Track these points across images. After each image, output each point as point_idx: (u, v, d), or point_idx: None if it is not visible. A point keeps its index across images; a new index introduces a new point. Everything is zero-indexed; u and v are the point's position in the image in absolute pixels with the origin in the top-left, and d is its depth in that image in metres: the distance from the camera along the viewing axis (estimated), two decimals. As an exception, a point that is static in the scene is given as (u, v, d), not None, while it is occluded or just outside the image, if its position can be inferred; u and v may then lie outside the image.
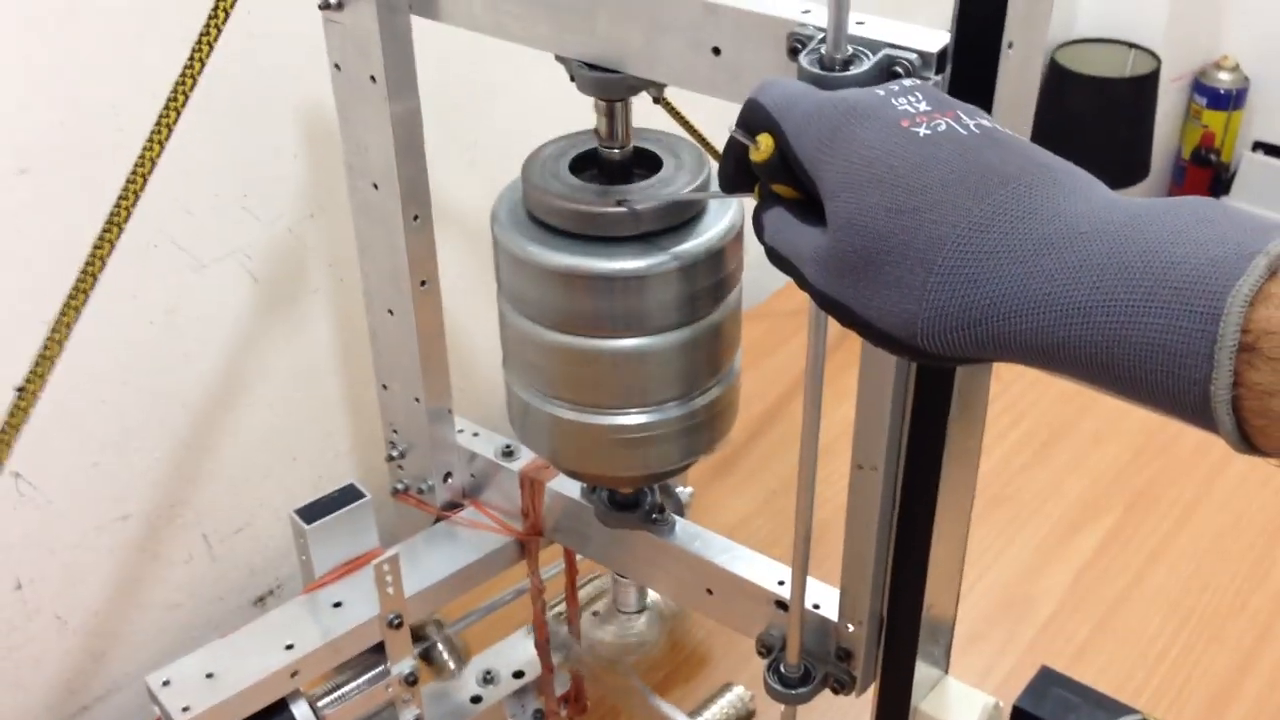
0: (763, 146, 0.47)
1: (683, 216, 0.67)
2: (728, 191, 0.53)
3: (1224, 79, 1.78)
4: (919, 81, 0.47)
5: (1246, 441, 0.37)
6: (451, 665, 0.87)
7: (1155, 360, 0.37)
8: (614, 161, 0.70)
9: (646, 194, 0.66)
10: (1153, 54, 1.62)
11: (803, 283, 0.47)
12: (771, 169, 0.48)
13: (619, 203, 0.65)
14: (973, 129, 0.44)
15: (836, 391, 0.60)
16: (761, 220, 0.49)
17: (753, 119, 0.48)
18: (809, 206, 0.47)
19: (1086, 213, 0.40)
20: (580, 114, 0.70)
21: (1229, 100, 1.78)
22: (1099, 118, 1.62)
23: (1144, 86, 1.63)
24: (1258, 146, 1.81)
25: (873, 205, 0.43)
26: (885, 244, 0.42)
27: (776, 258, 0.48)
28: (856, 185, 0.43)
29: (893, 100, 0.45)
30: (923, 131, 0.43)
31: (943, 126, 0.43)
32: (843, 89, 0.48)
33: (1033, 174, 0.42)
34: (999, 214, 0.41)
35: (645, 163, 0.70)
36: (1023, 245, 0.40)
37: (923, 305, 0.42)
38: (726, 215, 0.68)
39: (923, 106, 0.45)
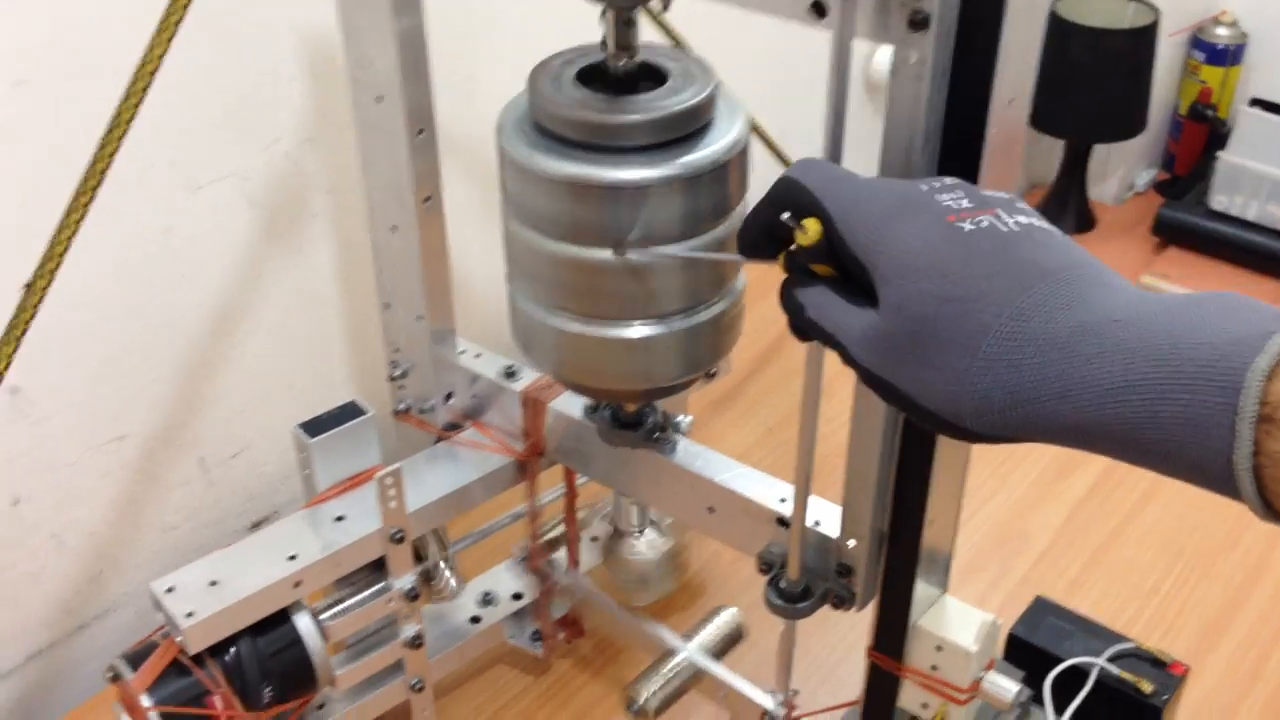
0: (810, 231, 0.49)
1: (689, 128, 0.67)
2: (748, 256, 0.54)
3: (1222, 34, 1.77)
4: (958, 180, 0.49)
5: (1269, 508, 0.39)
6: (451, 585, 0.87)
7: (1183, 433, 0.40)
8: (621, 74, 0.69)
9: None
10: (1152, 6, 1.61)
11: (847, 359, 0.49)
12: (816, 251, 0.49)
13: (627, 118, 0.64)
14: (1013, 226, 0.46)
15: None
16: (797, 297, 0.51)
17: (792, 199, 0.50)
18: (847, 285, 0.49)
19: (1120, 303, 0.43)
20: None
21: (1227, 56, 1.77)
22: (1097, 69, 1.61)
23: (1143, 39, 1.62)
24: (1255, 103, 1.80)
25: (922, 292, 0.45)
26: (933, 328, 0.45)
27: (816, 332, 0.50)
28: (908, 273, 0.46)
29: (936, 196, 0.48)
30: (967, 226, 0.46)
31: (985, 223, 0.46)
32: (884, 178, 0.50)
33: (1070, 269, 0.45)
34: (1040, 304, 0.44)
35: (651, 76, 0.70)
36: (1061, 332, 0.43)
37: (967, 388, 0.44)
38: (734, 128, 0.68)
39: (965, 204, 0.47)
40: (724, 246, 0.70)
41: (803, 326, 0.51)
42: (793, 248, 0.50)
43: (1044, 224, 0.47)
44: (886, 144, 0.59)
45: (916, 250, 0.46)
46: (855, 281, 0.49)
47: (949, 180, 0.49)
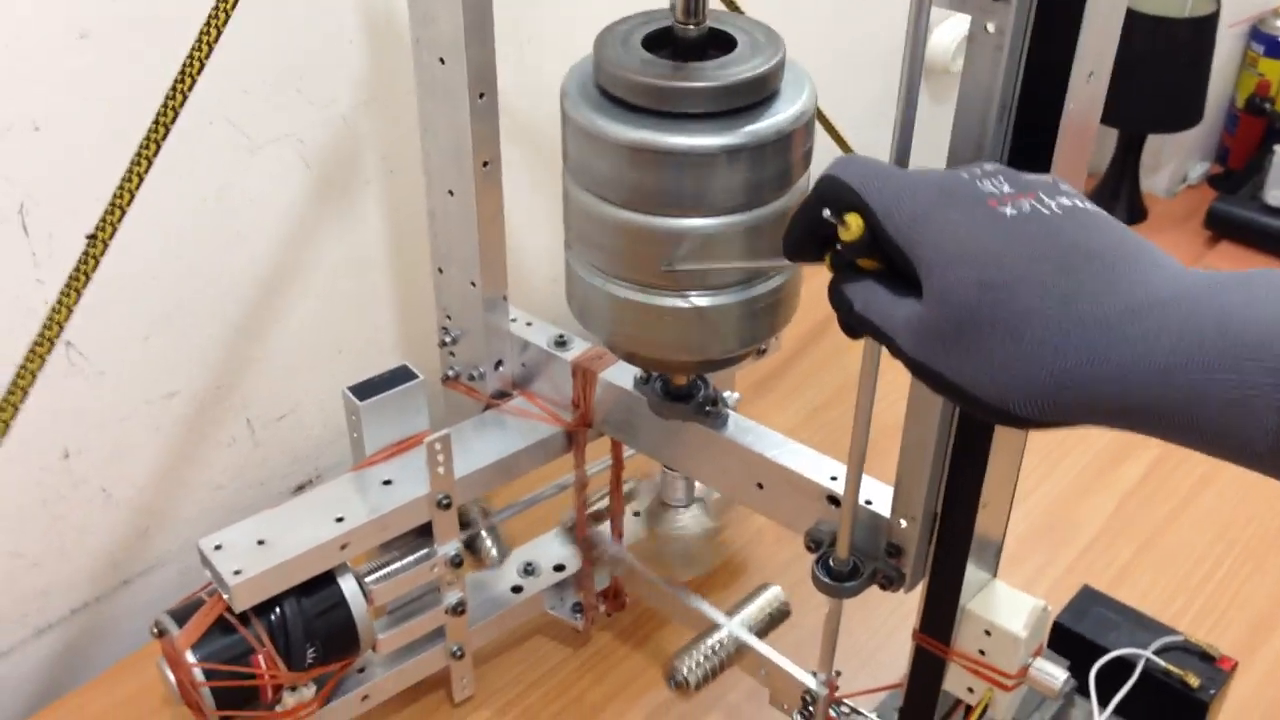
0: (853, 227, 0.49)
1: (755, 96, 0.66)
2: (793, 259, 0.54)
3: (1282, 28, 1.74)
4: (999, 165, 0.49)
5: None
6: (494, 554, 0.87)
7: (1231, 413, 0.40)
8: (689, 40, 0.68)
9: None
10: (1213, -4, 1.59)
11: (896, 351, 0.49)
12: (860, 246, 0.49)
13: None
14: (1054, 209, 0.46)
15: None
16: (846, 293, 0.51)
17: (834, 197, 0.50)
18: (894, 278, 0.49)
19: (1165, 281, 0.43)
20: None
21: (1287, 50, 1.74)
22: (1155, 58, 1.58)
23: (1203, 28, 1.59)
24: (1313, 98, 1.77)
25: (965, 279, 0.45)
26: (977, 315, 0.45)
27: (866, 326, 0.50)
28: (951, 261, 0.46)
29: (977, 183, 0.47)
30: (1009, 211, 0.46)
31: (1027, 207, 0.46)
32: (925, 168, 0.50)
33: (1114, 249, 0.45)
34: (1084, 287, 0.44)
35: (719, 43, 0.69)
36: (1107, 314, 0.43)
37: (1013, 373, 0.44)
38: (799, 100, 0.67)
39: (1006, 188, 0.47)
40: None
41: (852, 323, 0.51)
42: (838, 245, 0.50)
43: (1087, 205, 0.47)
44: (959, 118, 0.58)
45: (959, 238, 0.46)
46: (901, 274, 0.49)
47: (989, 166, 0.49)
